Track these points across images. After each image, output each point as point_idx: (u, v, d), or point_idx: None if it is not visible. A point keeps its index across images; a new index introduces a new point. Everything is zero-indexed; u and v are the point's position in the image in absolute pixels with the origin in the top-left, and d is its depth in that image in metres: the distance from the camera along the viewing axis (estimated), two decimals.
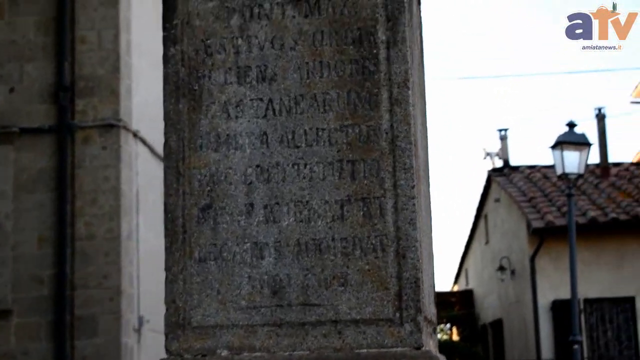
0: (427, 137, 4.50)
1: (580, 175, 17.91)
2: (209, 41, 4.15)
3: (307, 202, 3.98)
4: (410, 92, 3.99)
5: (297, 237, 3.95)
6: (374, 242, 3.91)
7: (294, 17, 4.12)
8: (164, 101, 4.13)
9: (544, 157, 42.18)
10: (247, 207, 4.01)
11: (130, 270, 14.64)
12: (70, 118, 14.58)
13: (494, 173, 28.10)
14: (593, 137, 20.88)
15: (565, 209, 21.52)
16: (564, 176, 17.54)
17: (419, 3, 4.59)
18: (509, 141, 29.04)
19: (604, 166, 26.89)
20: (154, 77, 16.33)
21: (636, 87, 28.96)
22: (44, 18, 14.87)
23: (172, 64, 4.16)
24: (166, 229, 4.04)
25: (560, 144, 17.52)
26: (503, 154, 28.98)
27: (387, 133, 3.99)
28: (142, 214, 15.17)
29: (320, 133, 4.02)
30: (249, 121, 4.07)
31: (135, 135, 15.17)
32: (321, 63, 4.07)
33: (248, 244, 3.97)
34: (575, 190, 18.71)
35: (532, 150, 53.42)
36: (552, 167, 25.46)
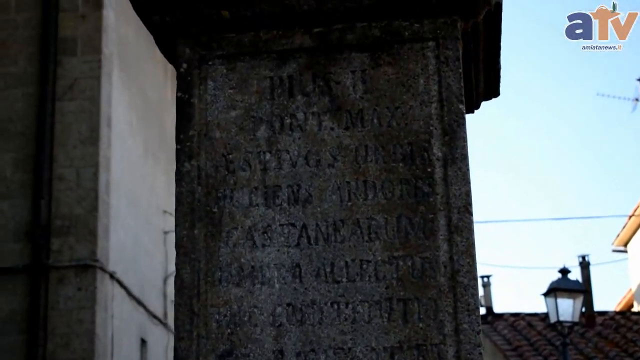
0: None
1: (575, 324, 17.26)
2: (231, 156, 3.54)
3: (350, 349, 3.30)
4: (472, 218, 3.37)
5: None
6: None
7: (332, 129, 3.53)
8: (176, 225, 3.49)
9: (528, 304, 41.69)
10: (276, 354, 3.33)
11: None
12: (45, 258, 14.03)
13: None
14: None
15: (552, 358, 20.86)
16: (559, 324, 16.86)
17: None
18: (492, 288, 28.42)
19: (590, 315, 26.33)
20: (131, 217, 15.91)
21: (618, 235, 28.68)
22: (22, 155, 14.49)
23: (186, 182, 3.53)
24: None
25: (553, 290, 16.94)
26: (486, 301, 28.37)
27: (445, 267, 3.35)
28: (117, 359, 14.43)
29: (364, 266, 3.38)
30: (278, 250, 3.43)
31: (111, 276, 14.67)
32: (365, 183, 3.46)
33: None
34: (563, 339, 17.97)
35: (516, 297, 52.74)
36: (536, 314, 24.96)
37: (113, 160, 15.15)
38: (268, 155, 3.53)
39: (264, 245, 3.44)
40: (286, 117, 3.56)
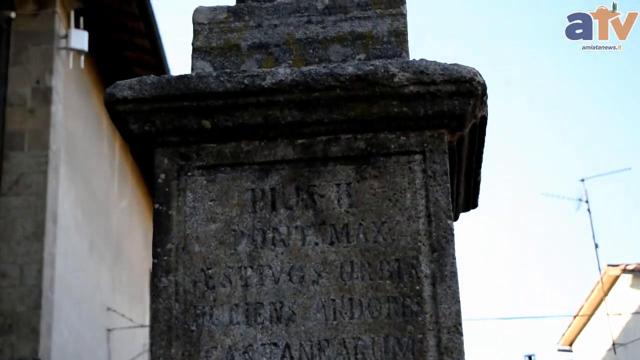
0: None
1: None
2: (210, 271, 3.39)
3: None
4: (463, 338, 3.24)
5: None
6: None
7: (316, 244, 3.40)
8: (152, 344, 3.31)
9: None
10: None
11: None
12: None
13: None
14: None
15: None
16: None
17: None
18: None
19: None
20: (75, 314, 15.57)
21: (563, 335, 28.69)
22: None
23: (163, 298, 3.36)
24: None
25: None
26: None
27: None
28: None
29: None
30: None
31: None
32: (351, 301, 3.32)
33: None
34: None
35: None
36: None
37: (58, 256, 14.85)
38: (249, 271, 3.38)
39: None
40: (268, 231, 3.43)
